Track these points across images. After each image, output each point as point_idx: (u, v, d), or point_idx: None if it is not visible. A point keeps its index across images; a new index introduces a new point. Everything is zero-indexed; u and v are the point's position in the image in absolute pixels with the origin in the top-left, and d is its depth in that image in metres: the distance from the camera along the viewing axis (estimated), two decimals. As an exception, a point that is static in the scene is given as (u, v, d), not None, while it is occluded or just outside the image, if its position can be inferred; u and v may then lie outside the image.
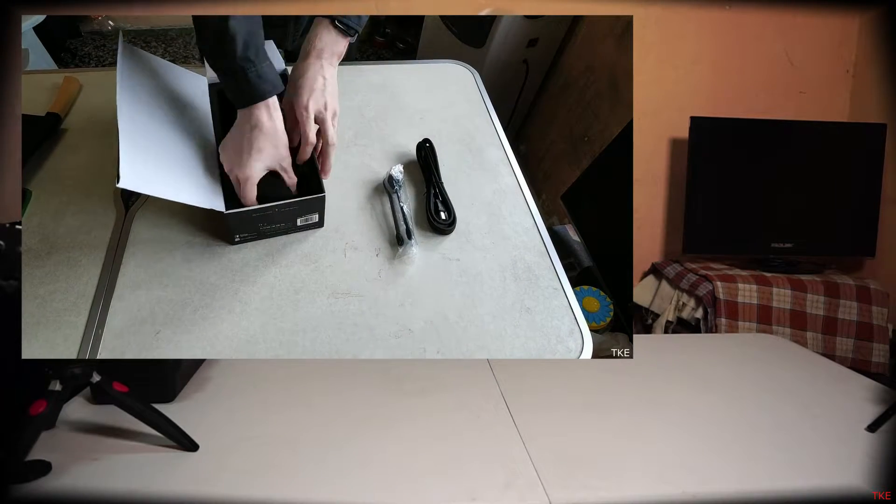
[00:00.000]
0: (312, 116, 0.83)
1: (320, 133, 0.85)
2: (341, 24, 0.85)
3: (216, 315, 0.77)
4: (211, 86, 0.94)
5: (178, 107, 0.89)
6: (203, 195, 0.79)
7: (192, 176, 0.81)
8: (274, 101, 0.79)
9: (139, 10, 1.60)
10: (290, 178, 0.83)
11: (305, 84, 0.83)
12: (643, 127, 1.79)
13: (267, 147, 0.79)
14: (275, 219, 0.84)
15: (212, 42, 0.75)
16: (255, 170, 0.79)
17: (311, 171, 0.86)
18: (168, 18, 2.98)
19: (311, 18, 0.90)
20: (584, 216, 1.54)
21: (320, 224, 0.89)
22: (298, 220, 0.86)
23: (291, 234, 0.88)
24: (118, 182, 0.67)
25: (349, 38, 0.87)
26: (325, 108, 0.84)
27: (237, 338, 0.75)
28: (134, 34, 2.95)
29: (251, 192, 0.80)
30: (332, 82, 0.86)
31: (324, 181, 0.86)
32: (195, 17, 0.76)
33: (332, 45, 0.86)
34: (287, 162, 0.82)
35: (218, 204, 0.80)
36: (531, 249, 0.90)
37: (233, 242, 0.86)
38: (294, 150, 0.85)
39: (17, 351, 0.71)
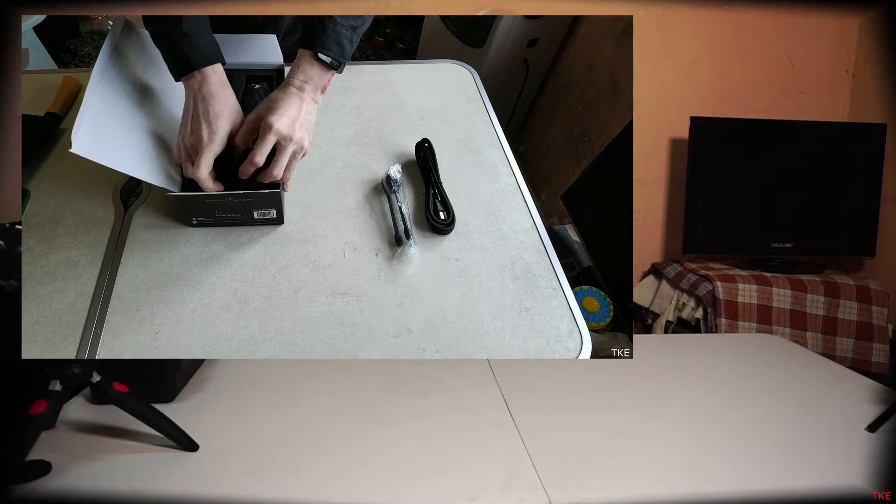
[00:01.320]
0: (273, 138, 0.78)
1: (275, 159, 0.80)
2: (325, 57, 0.81)
3: (215, 315, 0.77)
4: None
5: (163, 88, 0.89)
6: (158, 174, 0.79)
7: (155, 154, 0.81)
8: (217, 72, 0.79)
9: (139, 9, 1.60)
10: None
11: (280, 107, 0.79)
12: (643, 127, 1.79)
13: (223, 111, 0.78)
14: (230, 208, 0.84)
15: (153, 20, 0.77)
16: (218, 137, 0.77)
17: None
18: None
19: (294, 19, 0.89)
20: (584, 216, 1.53)
21: (279, 221, 0.89)
22: (255, 213, 0.86)
23: (291, 235, 0.88)
24: (70, 147, 0.67)
25: (334, 71, 0.84)
26: (290, 141, 0.79)
27: (236, 338, 0.75)
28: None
29: (205, 165, 0.77)
30: (307, 117, 0.82)
31: (319, 181, 0.86)
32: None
33: (316, 78, 0.83)
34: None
35: (171, 184, 0.80)
36: (530, 249, 0.90)
37: (190, 224, 0.87)
38: (238, 160, 0.82)
39: (17, 351, 0.71)
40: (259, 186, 0.82)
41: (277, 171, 0.80)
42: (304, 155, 0.83)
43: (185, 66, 0.78)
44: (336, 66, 0.83)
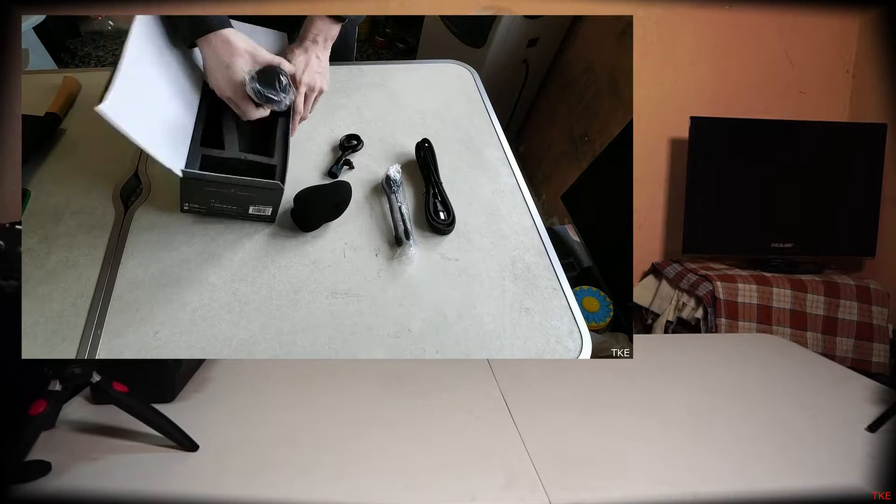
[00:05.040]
0: (303, 92, 0.89)
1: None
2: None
3: (215, 315, 0.77)
4: None
5: (181, 68, 0.89)
6: (168, 153, 0.78)
7: (168, 132, 0.81)
8: (230, 34, 0.83)
9: (139, 10, 1.60)
10: (286, 65, 0.86)
11: (300, 64, 0.90)
12: (643, 127, 1.79)
13: (242, 53, 0.83)
14: (227, 198, 0.84)
15: None
16: (238, 73, 0.82)
17: (277, 165, 0.86)
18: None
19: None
20: (584, 216, 1.54)
21: (272, 219, 0.89)
22: (251, 208, 0.86)
23: (291, 235, 0.88)
24: (99, 104, 0.67)
25: (341, 23, 0.94)
26: (314, 90, 0.91)
27: (236, 338, 0.75)
28: (134, 34, 2.94)
29: (246, 106, 0.84)
30: (325, 64, 0.93)
31: (319, 181, 0.86)
32: None
33: (325, 30, 0.93)
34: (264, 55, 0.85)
35: (175, 166, 0.79)
36: (530, 249, 0.90)
37: (181, 210, 0.87)
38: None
39: (17, 351, 0.71)
40: (263, 177, 0.83)
41: (306, 114, 0.92)
42: (320, 94, 0.94)
43: (200, 27, 0.82)
44: (343, 20, 0.94)
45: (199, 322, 0.77)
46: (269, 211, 0.87)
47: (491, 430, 0.80)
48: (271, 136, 0.90)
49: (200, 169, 0.85)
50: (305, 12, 0.86)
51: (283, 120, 0.92)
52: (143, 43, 0.82)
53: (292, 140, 0.89)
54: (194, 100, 0.90)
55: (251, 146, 0.90)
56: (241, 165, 0.85)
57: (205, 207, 0.86)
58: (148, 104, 0.79)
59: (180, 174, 0.78)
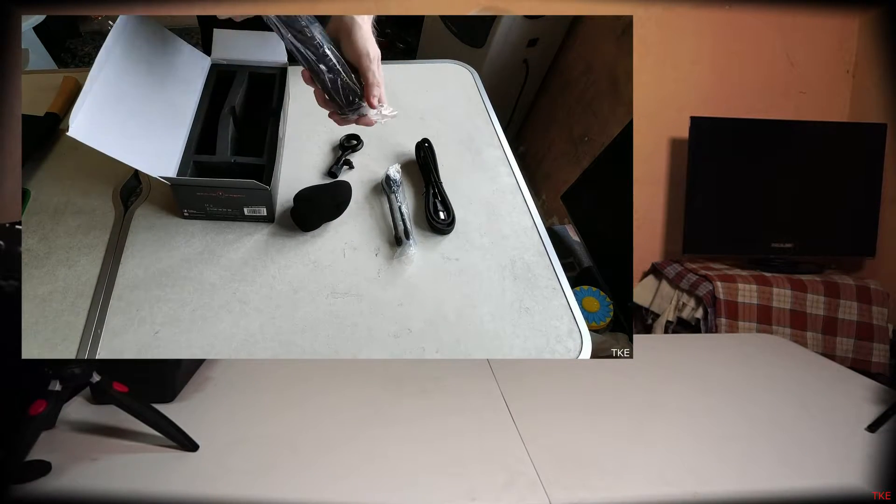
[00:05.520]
0: (377, 66, 0.78)
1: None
2: None
3: (215, 315, 0.77)
4: (213, 66, 0.97)
5: (165, 76, 0.89)
6: (151, 162, 0.79)
7: (150, 142, 0.81)
8: None
9: (139, 10, 1.60)
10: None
11: (366, 34, 0.77)
12: (643, 127, 1.79)
13: None
14: (220, 202, 0.85)
15: None
16: None
17: (265, 165, 0.86)
18: (169, 19, 2.98)
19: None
20: (584, 216, 1.54)
21: (270, 219, 0.89)
22: (245, 210, 0.86)
23: (290, 234, 0.88)
24: (68, 131, 0.68)
25: None
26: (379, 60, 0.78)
27: (236, 337, 0.75)
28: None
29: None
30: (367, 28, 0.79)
31: (318, 181, 0.86)
32: None
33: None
34: None
35: (163, 173, 0.80)
36: (530, 249, 0.90)
37: (182, 216, 0.87)
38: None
39: (17, 351, 0.71)
40: (254, 178, 0.83)
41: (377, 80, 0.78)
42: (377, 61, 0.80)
43: None
44: None
45: (199, 322, 0.77)
46: (263, 211, 0.87)
47: (491, 430, 0.80)
48: (263, 136, 0.90)
49: (196, 175, 0.85)
50: (305, 12, 0.85)
51: (273, 120, 0.92)
52: (121, 51, 0.82)
53: (298, 136, 0.88)
54: (190, 107, 0.91)
55: (244, 149, 0.91)
56: (232, 168, 0.85)
57: (202, 212, 0.87)
58: (126, 118, 0.79)
59: (161, 180, 0.79)
